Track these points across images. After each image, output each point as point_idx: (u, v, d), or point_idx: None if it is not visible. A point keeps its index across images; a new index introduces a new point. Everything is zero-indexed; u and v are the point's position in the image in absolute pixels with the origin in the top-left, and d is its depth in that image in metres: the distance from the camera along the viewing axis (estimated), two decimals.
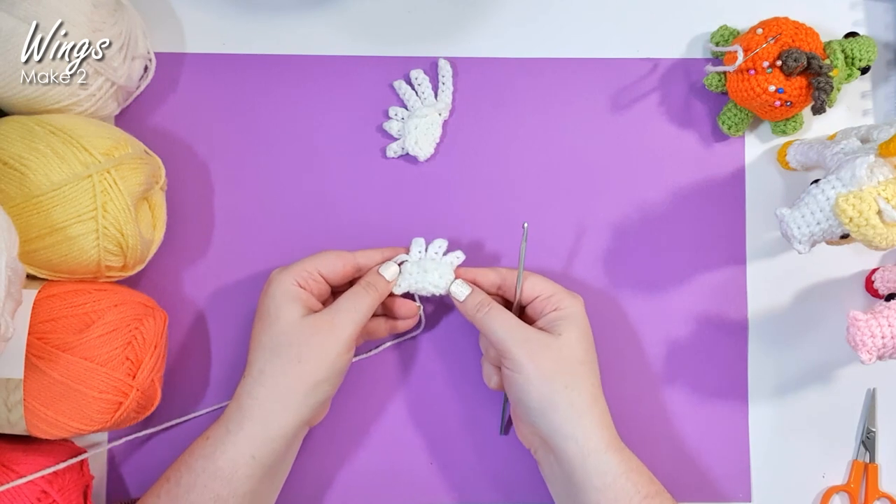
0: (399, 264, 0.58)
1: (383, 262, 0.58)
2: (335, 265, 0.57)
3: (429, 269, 0.58)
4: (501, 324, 0.56)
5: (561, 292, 0.57)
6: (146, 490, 0.60)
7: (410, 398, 0.62)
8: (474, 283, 0.58)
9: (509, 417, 0.62)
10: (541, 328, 0.56)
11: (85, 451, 0.58)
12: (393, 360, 0.62)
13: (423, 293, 0.59)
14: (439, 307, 0.63)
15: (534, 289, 0.57)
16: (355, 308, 0.56)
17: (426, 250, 0.59)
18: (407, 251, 0.59)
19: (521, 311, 0.59)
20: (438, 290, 0.58)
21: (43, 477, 0.53)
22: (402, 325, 0.61)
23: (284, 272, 0.56)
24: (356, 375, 0.62)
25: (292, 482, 0.61)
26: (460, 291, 0.58)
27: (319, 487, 0.62)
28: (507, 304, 0.58)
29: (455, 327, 0.63)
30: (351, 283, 0.59)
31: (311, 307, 0.56)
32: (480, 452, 0.62)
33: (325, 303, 0.58)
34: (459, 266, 0.59)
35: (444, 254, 0.59)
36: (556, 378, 0.54)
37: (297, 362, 0.54)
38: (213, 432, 0.55)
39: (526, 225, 0.57)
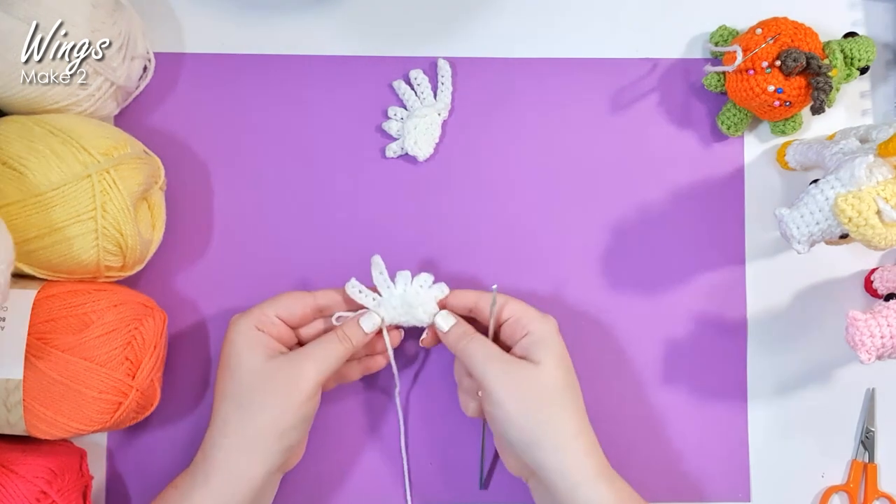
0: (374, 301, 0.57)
1: (358, 311, 0.56)
2: (293, 308, 0.56)
3: (414, 304, 0.56)
4: (482, 354, 0.54)
5: (530, 314, 0.56)
6: (146, 490, 0.60)
7: (410, 397, 0.62)
8: (450, 304, 0.57)
9: (490, 467, 0.61)
10: (519, 356, 0.55)
11: (85, 452, 0.58)
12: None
13: (405, 326, 0.58)
14: None
15: (504, 311, 0.56)
16: (324, 357, 0.54)
17: (411, 283, 0.57)
18: (373, 288, 0.57)
19: (496, 337, 0.57)
20: (422, 324, 0.57)
21: (42, 477, 0.53)
22: (376, 365, 0.59)
23: (242, 318, 0.55)
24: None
25: (289, 482, 0.61)
26: (445, 323, 0.56)
27: (319, 487, 0.62)
28: (482, 328, 0.57)
29: None
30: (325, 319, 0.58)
31: (273, 351, 0.54)
32: (479, 452, 0.62)
33: (289, 345, 0.57)
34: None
35: (429, 287, 0.57)
36: (538, 412, 0.53)
37: (259, 412, 0.52)
38: (181, 482, 0.54)
39: (495, 287, 0.56)
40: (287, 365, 0.53)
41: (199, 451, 0.54)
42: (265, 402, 0.53)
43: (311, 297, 0.57)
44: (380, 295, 0.57)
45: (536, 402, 0.53)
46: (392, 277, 0.57)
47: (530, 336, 0.55)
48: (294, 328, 0.57)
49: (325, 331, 0.57)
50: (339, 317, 0.57)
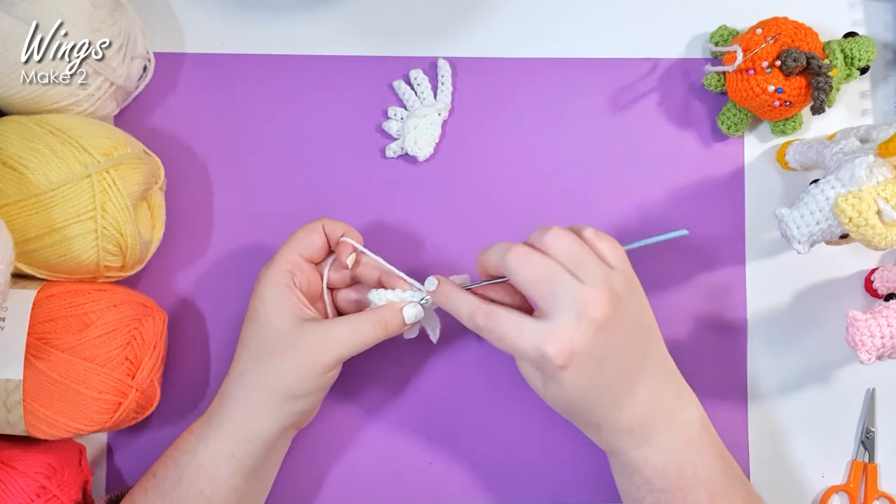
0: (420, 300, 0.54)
1: (394, 293, 0.54)
2: (313, 241, 0.55)
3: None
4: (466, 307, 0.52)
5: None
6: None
7: (410, 397, 0.62)
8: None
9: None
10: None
11: (84, 447, 0.58)
12: (392, 358, 0.62)
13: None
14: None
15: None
16: (353, 339, 0.53)
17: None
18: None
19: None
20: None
21: (42, 472, 0.53)
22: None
23: (271, 270, 0.54)
24: (355, 374, 0.62)
25: (288, 482, 0.61)
26: (430, 283, 0.54)
27: (318, 487, 0.62)
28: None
29: (456, 327, 0.62)
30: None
31: (303, 313, 0.54)
32: (481, 453, 0.62)
33: (317, 297, 0.57)
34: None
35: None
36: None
37: (275, 373, 0.53)
38: (196, 426, 0.55)
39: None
40: (313, 334, 0.52)
41: (217, 397, 0.55)
42: (283, 366, 0.52)
43: (319, 225, 0.55)
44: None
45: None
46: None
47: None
48: (317, 263, 0.57)
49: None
50: (376, 294, 0.55)
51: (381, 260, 0.56)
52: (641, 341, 0.52)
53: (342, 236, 0.56)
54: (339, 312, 0.58)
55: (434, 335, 0.57)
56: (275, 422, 0.53)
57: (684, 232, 0.53)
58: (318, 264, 0.57)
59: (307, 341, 0.52)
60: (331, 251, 0.57)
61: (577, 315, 0.48)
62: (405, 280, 0.55)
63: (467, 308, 0.52)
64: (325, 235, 0.56)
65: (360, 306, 0.58)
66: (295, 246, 0.55)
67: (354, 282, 0.58)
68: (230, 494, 0.53)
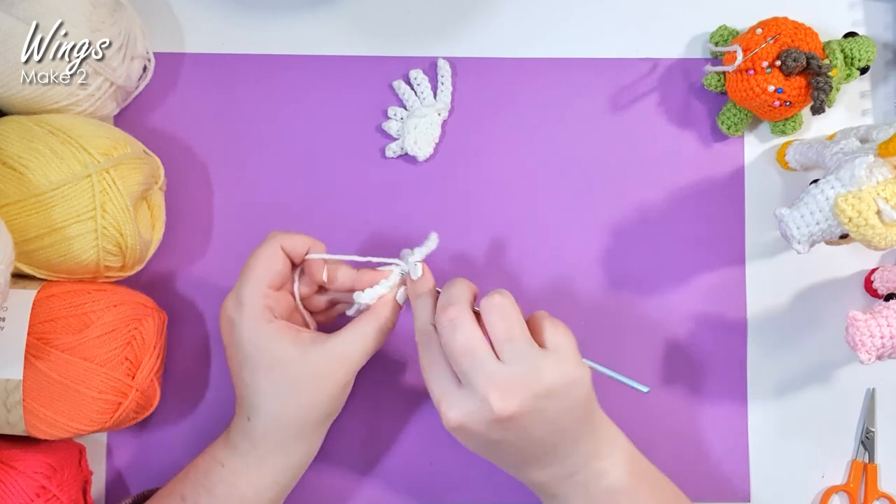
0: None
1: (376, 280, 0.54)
2: (276, 270, 0.53)
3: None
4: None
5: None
6: (146, 488, 0.60)
7: (410, 397, 0.62)
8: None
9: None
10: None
11: (84, 447, 0.58)
12: (392, 358, 0.62)
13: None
14: None
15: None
16: (363, 350, 0.52)
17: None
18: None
19: None
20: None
21: (41, 472, 0.53)
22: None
23: (247, 315, 0.51)
24: (357, 375, 0.62)
25: None
26: (415, 272, 0.53)
27: (318, 487, 0.62)
28: None
29: None
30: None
31: (301, 338, 0.52)
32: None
33: (292, 312, 0.55)
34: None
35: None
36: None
37: (306, 406, 0.52)
38: (228, 462, 0.53)
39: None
40: (325, 358, 0.52)
41: (242, 437, 0.53)
42: (311, 396, 0.52)
43: (277, 246, 0.53)
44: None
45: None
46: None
47: None
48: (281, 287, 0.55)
49: None
50: (363, 295, 0.54)
51: (350, 259, 0.55)
52: (556, 432, 0.50)
53: (307, 253, 0.54)
54: (312, 313, 0.57)
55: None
56: (315, 443, 0.55)
57: (646, 389, 0.52)
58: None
59: (322, 367, 0.52)
60: (294, 266, 0.55)
61: (482, 400, 0.48)
62: (381, 269, 0.55)
63: (423, 319, 0.52)
64: (286, 254, 0.53)
65: (333, 303, 0.57)
66: (261, 279, 0.52)
67: (321, 290, 0.57)
68: None
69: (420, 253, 0.54)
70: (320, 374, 0.52)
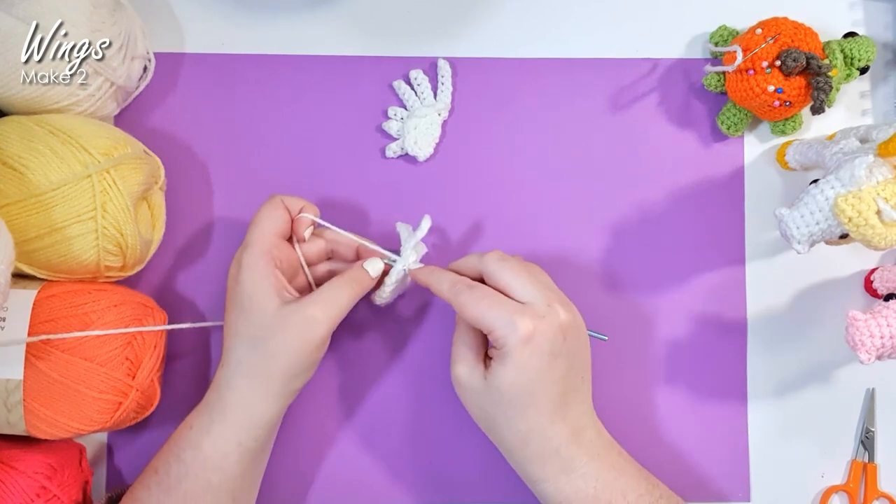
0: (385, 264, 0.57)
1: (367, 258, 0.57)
2: (280, 218, 0.56)
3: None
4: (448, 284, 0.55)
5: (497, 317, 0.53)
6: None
7: (410, 397, 0.62)
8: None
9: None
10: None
11: (84, 447, 0.58)
12: (392, 357, 0.62)
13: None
14: (443, 305, 0.63)
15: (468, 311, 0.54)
16: (334, 303, 0.54)
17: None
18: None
19: None
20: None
21: (42, 472, 0.53)
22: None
23: (252, 254, 0.54)
24: (354, 373, 0.62)
25: (287, 482, 0.61)
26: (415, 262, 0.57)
27: (318, 487, 0.62)
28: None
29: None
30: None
31: (285, 294, 0.55)
32: (480, 453, 0.62)
33: (295, 273, 0.58)
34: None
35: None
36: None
37: (273, 356, 0.53)
38: (195, 421, 0.55)
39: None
40: (300, 313, 0.53)
41: (212, 391, 0.55)
42: (279, 348, 0.53)
43: (279, 201, 0.56)
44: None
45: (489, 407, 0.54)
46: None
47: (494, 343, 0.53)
48: (288, 239, 0.57)
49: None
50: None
51: (343, 232, 0.58)
52: (582, 366, 0.56)
53: (300, 212, 0.57)
54: (319, 282, 0.59)
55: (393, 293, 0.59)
56: (279, 403, 0.55)
57: (605, 338, 0.58)
58: (288, 240, 0.58)
59: (296, 321, 0.53)
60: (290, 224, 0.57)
61: (548, 305, 0.53)
62: (380, 251, 0.57)
63: (450, 279, 0.55)
64: (287, 211, 0.56)
65: (332, 273, 0.59)
66: (267, 225, 0.55)
67: (329, 257, 0.59)
68: (237, 480, 0.54)
69: (417, 236, 0.57)
70: (289, 328, 0.53)
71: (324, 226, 0.58)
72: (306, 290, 0.59)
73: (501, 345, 0.52)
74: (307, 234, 0.57)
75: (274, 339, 0.53)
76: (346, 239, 0.58)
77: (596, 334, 0.57)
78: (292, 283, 0.57)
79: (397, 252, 0.58)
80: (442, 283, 0.55)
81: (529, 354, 0.52)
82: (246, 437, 0.54)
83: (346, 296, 0.55)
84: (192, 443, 0.54)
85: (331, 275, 0.59)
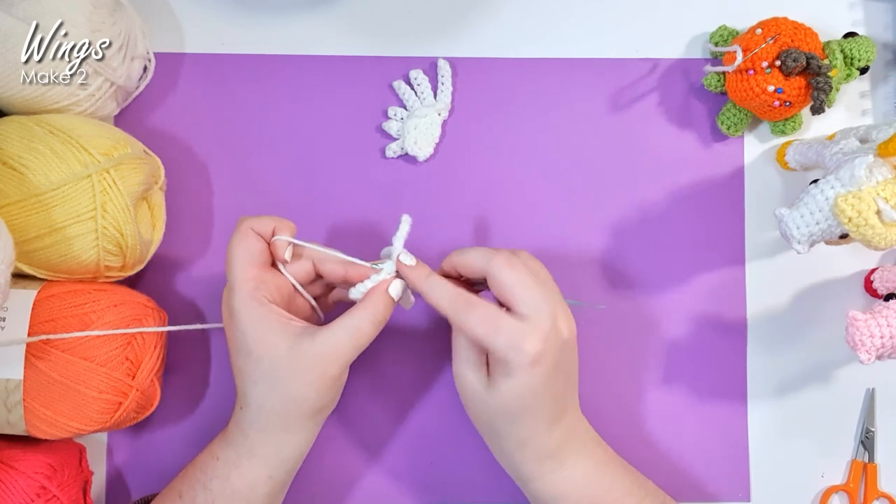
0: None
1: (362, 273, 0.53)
2: (253, 248, 0.52)
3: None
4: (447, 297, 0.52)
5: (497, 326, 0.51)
6: (146, 489, 0.60)
7: (410, 397, 0.62)
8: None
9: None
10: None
11: (84, 447, 0.58)
12: (391, 358, 0.62)
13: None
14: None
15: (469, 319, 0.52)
16: (355, 342, 0.51)
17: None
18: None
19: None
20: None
21: (42, 472, 0.53)
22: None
23: (238, 297, 0.51)
24: (353, 376, 0.62)
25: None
26: (409, 258, 0.53)
27: (318, 488, 0.62)
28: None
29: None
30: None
31: (293, 327, 0.52)
32: (481, 453, 0.62)
33: (289, 297, 0.54)
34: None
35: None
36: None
37: (296, 398, 0.52)
38: (221, 453, 0.54)
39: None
40: (315, 350, 0.51)
41: (235, 428, 0.53)
42: (300, 391, 0.51)
43: (247, 229, 0.53)
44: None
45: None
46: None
47: (493, 355, 0.51)
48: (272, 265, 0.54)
49: None
50: (356, 291, 0.53)
51: (322, 248, 0.54)
52: (574, 372, 0.56)
53: (273, 233, 0.53)
54: (316, 299, 0.57)
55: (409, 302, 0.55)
56: (307, 436, 0.54)
57: (602, 307, 0.61)
58: (273, 266, 0.54)
59: (312, 358, 0.51)
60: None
61: (553, 320, 0.51)
62: (367, 265, 0.53)
63: (449, 294, 0.52)
64: (260, 237, 0.53)
65: (331, 288, 0.58)
66: (243, 260, 0.52)
67: (318, 277, 0.56)
68: None
69: (400, 239, 0.53)
70: (307, 367, 0.51)
71: (301, 245, 0.54)
72: (307, 310, 0.56)
73: (507, 363, 0.50)
74: (288, 254, 0.54)
75: (293, 382, 0.51)
76: (330, 256, 0.54)
77: (592, 305, 0.58)
78: (291, 307, 0.54)
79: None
80: (441, 297, 0.52)
81: (535, 374, 0.51)
82: (276, 472, 0.53)
83: (368, 330, 0.52)
84: (220, 474, 0.53)
85: (328, 290, 0.58)
